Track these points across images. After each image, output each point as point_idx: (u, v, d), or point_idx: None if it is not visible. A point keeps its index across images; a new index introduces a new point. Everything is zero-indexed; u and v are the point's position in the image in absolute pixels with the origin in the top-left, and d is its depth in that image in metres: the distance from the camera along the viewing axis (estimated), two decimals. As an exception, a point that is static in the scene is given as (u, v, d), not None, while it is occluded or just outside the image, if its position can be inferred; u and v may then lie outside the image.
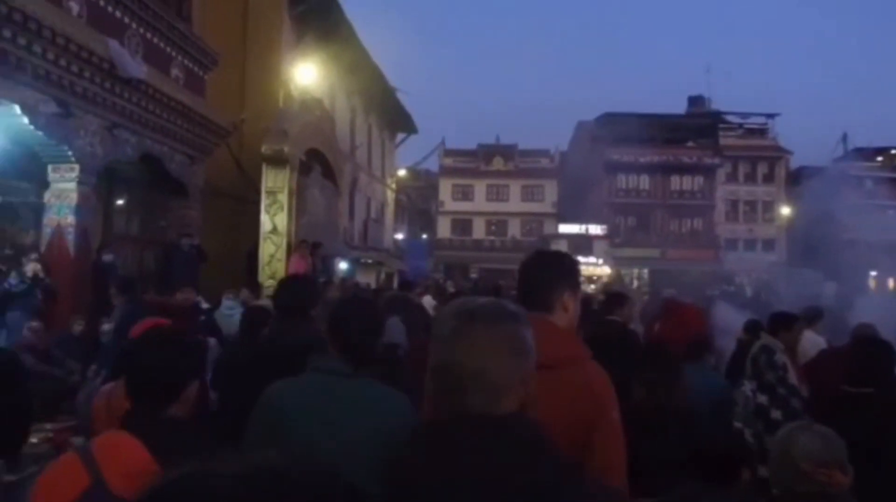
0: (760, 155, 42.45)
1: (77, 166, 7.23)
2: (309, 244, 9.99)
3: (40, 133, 6.77)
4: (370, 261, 21.11)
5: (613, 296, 5.62)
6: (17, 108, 6.41)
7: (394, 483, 1.08)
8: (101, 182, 8.26)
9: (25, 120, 6.52)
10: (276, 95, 12.84)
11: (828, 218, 42.34)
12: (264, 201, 9.83)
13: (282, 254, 9.83)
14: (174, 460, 1.16)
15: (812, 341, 5.03)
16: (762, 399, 3.75)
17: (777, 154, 42.68)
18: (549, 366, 1.52)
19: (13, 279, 6.71)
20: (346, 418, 1.80)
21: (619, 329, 5.15)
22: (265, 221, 9.87)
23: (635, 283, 38.34)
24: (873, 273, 32.10)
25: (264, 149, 9.62)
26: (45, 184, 7.55)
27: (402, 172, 28.31)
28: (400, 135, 26.39)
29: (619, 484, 1.60)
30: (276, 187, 9.74)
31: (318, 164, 11.77)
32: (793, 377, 4.01)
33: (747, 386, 3.85)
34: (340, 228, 14.09)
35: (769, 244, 42.30)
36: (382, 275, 22.97)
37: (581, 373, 1.72)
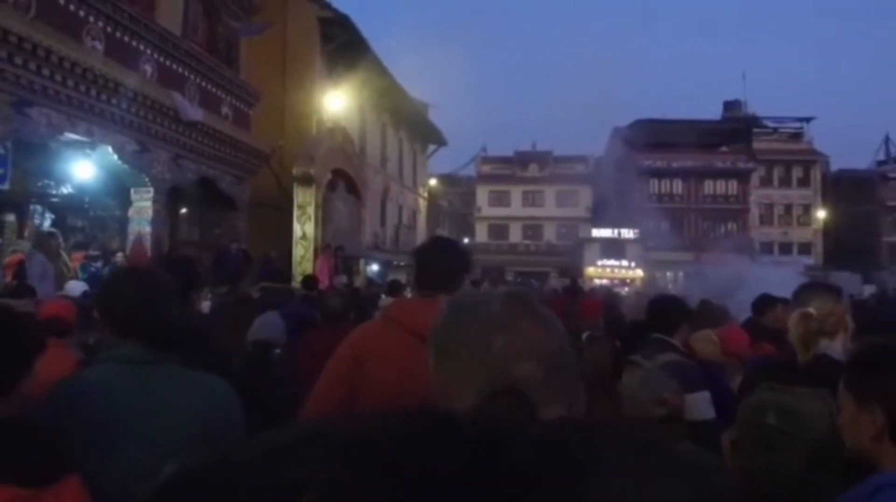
0: (795, 159, 42.72)
1: (152, 189, 9.64)
2: (332, 247, 12.20)
3: (126, 165, 9.16)
4: (402, 263, 23.30)
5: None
6: (110, 149, 8.80)
7: None
8: (169, 200, 10.63)
9: (115, 156, 8.91)
10: (310, 121, 15.16)
11: (867, 221, 42.40)
12: (296, 213, 12.09)
13: (310, 255, 12.07)
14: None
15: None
16: None
17: (812, 158, 42.84)
18: None
19: (104, 270, 9.03)
20: (171, 411, 1.56)
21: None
22: (296, 229, 12.13)
23: (670, 286, 39.32)
24: (914, 276, 32.36)
25: (295, 171, 11.89)
26: (127, 202, 9.96)
27: (433, 181, 30.43)
28: (432, 147, 28.59)
29: None
30: (305, 202, 11.99)
31: (343, 181, 14.00)
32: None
33: None
34: (364, 234, 16.32)
35: (805, 247, 42.53)
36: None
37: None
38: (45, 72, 7.20)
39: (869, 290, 22.95)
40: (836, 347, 2.49)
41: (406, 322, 1.85)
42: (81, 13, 8.04)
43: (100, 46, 8.37)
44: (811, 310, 2.63)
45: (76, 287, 5.61)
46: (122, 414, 1.53)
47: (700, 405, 3.02)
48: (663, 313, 3.40)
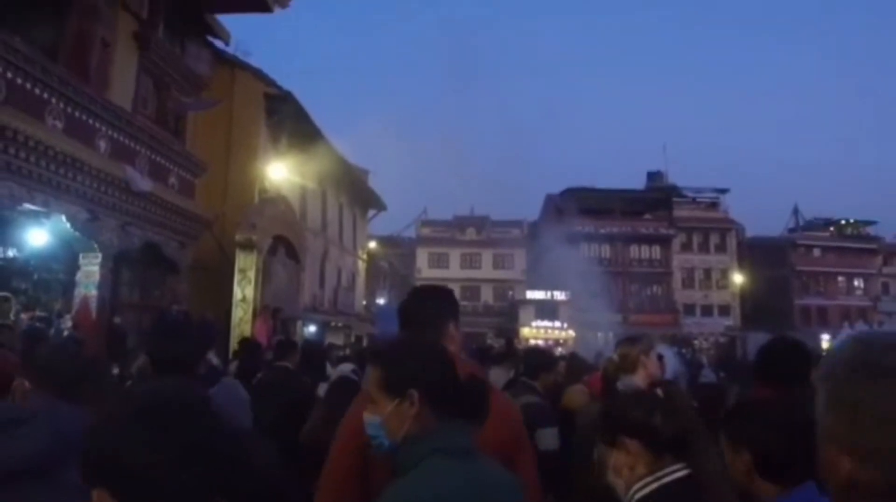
0: (712, 226, 45.86)
1: (100, 254, 10.26)
2: (270, 309, 12.91)
3: (77, 233, 9.79)
4: (340, 324, 23.92)
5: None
6: (63, 217, 9.45)
7: None
8: (113, 263, 11.21)
9: (68, 225, 9.56)
10: (252, 189, 16.02)
11: (779, 284, 45.65)
12: (237, 277, 12.81)
13: (248, 317, 12.74)
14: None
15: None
16: None
17: (727, 226, 46.11)
18: None
19: (50, 331, 9.49)
20: None
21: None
22: (237, 292, 12.82)
23: (601, 345, 41.01)
24: (826, 336, 35.00)
25: (237, 237, 12.68)
26: (73, 266, 10.52)
27: (372, 244, 31.43)
28: (372, 211, 29.74)
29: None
30: (246, 266, 12.75)
31: (283, 246, 14.84)
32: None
33: None
34: (303, 296, 17.06)
35: (724, 309, 45.31)
36: (352, 338, 25.70)
37: (500, 397, 1.88)
38: (11, 150, 7.93)
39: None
40: (637, 380, 3.25)
41: None
42: (45, 96, 8.84)
43: (60, 125, 9.15)
44: (614, 355, 3.58)
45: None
46: None
47: (548, 437, 3.99)
48: (528, 363, 4.47)
